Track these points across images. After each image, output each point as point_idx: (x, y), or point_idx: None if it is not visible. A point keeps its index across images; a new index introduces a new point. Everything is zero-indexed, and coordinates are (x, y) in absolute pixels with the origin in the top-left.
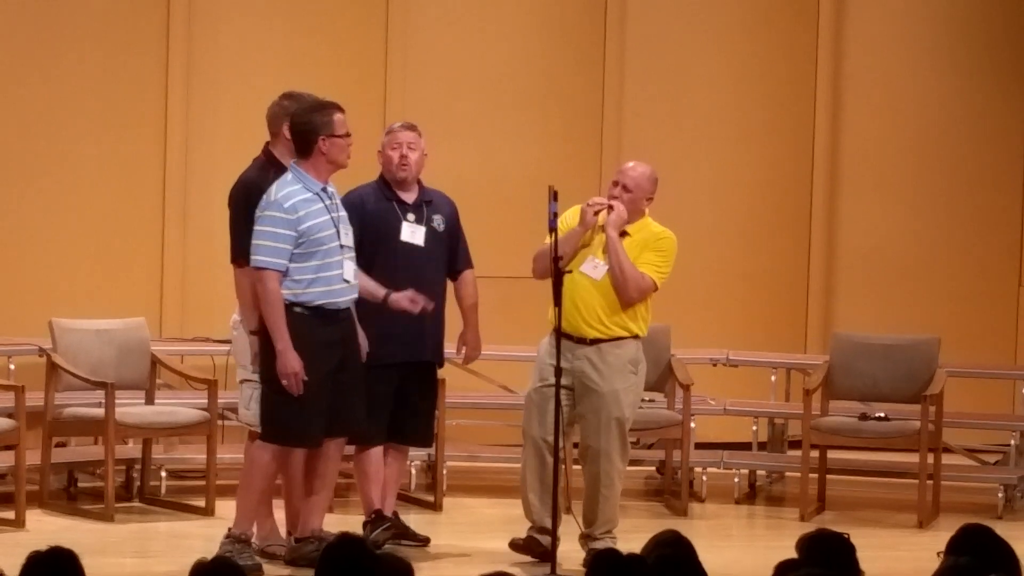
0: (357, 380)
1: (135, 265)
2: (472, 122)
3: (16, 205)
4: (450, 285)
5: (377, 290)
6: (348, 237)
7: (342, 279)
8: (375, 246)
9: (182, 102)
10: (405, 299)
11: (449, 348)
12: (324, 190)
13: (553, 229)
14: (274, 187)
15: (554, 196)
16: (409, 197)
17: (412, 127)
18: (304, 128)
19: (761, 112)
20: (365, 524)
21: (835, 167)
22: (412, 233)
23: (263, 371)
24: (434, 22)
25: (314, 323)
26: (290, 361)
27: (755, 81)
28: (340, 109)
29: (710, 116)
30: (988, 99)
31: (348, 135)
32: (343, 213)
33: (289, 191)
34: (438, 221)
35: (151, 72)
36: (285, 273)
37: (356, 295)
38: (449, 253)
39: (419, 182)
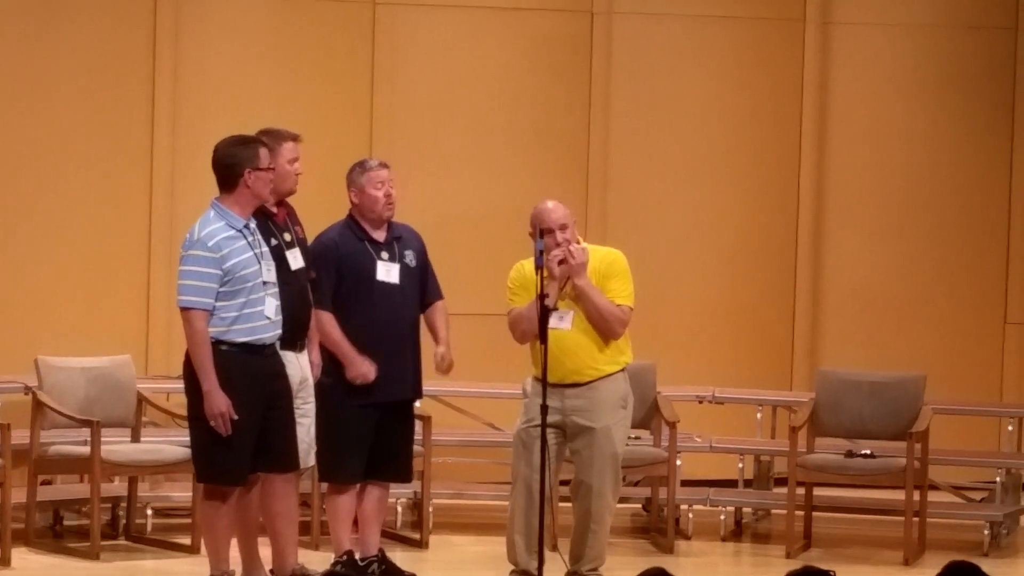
0: (288, 415)
1: (121, 303)
2: (458, 157)
3: (1, 242)
4: None
5: (349, 352)
6: (271, 273)
7: (264, 316)
8: (353, 287)
9: (168, 137)
10: (364, 374)
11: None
12: (247, 226)
13: (540, 267)
14: (197, 225)
15: (540, 234)
16: (380, 235)
17: (386, 164)
18: (230, 161)
19: (747, 148)
20: (335, 564)
21: (821, 204)
22: (387, 272)
23: (191, 411)
24: (420, 58)
25: (241, 359)
26: (217, 402)
27: (741, 117)
28: (265, 144)
29: (696, 152)
30: (973, 136)
31: (272, 169)
32: (265, 249)
33: (212, 229)
34: (410, 257)
35: (137, 108)
36: (211, 312)
37: (279, 331)
38: (420, 287)
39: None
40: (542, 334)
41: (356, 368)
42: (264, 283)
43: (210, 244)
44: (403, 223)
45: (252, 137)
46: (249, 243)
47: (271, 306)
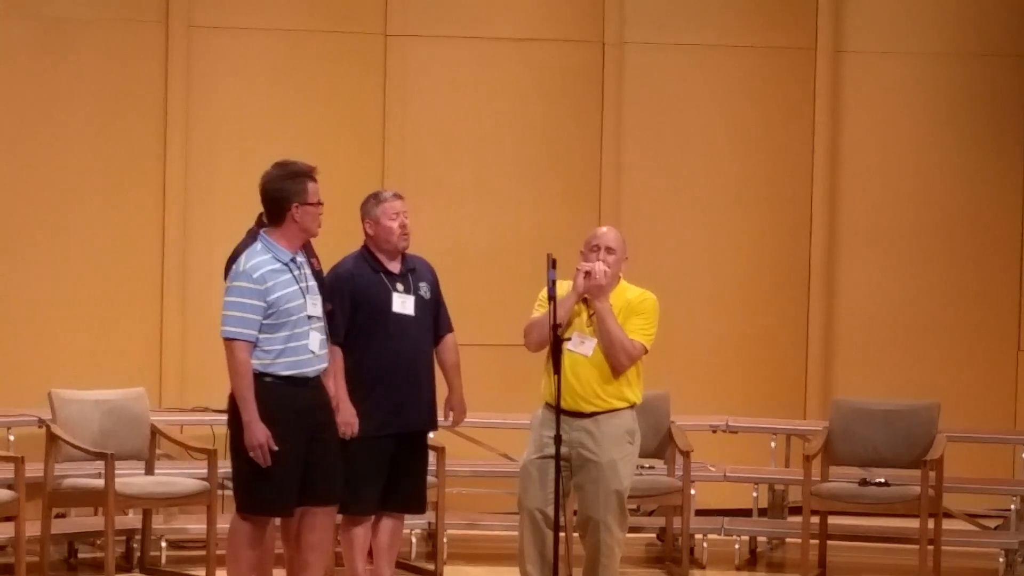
0: (332, 448)
1: (134, 335)
2: (470, 189)
3: (15, 275)
4: None
5: (343, 395)
6: (316, 308)
7: (308, 350)
8: (369, 319)
9: (180, 170)
10: (349, 422)
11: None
12: (293, 260)
13: (552, 297)
14: (243, 257)
15: (553, 264)
16: (395, 267)
17: (400, 196)
18: (277, 195)
19: (759, 178)
20: None
21: (833, 233)
22: (403, 304)
23: (232, 442)
24: (432, 89)
25: (285, 392)
26: (256, 433)
27: (753, 147)
28: (313, 178)
29: (708, 182)
30: (985, 164)
31: (320, 203)
32: (312, 283)
33: (257, 261)
34: (424, 289)
35: (149, 144)
36: (255, 344)
37: (324, 365)
38: (433, 319)
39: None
40: (555, 364)
41: (343, 414)
42: (308, 317)
43: (255, 276)
44: (417, 255)
45: (301, 170)
46: (295, 276)
47: (315, 340)
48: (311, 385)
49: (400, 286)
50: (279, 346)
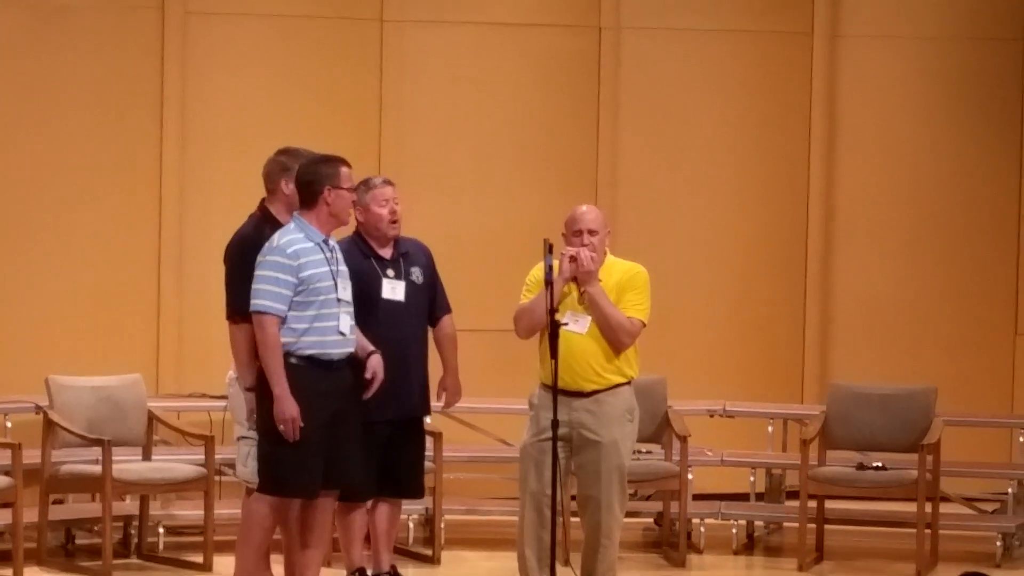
0: (353, 433)
1: (131, 322)
2: (466, 174)
3: (11, 262)
4: None
5: (365, 346)
6: (346, 291)
7: (337, 331)
8: (358, 305)
9: (177, 159)
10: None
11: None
12: (325, 242)
13: (549, 282)
14: (277, 235)
15: (549, 249)
16: (386, 252)
17: (390, 182)
18: (310, 178)
19: (756, 164)
20: None
21: (830, 218)
22: (392, 290)
23: (260, 422)
24: (428, 74)
25: (308, 373)
26: (287, 407)
27: (750, 131)
28: (347, 164)
29: (705, 169)
30: (982, 150)
31: (353, 189)
32: (343, 267)
33: (292, 238)
34: (416, 274)
35: (146, 130)
36: (283, 320)
37: (351, 349)
38: (429, 302)
39: None
40: (552, 348)
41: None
42: (339, 300)
43: (288, 251)
44: (411, 238)
45: (335, 156)
46: (326, 258)
47: (345, 323)
48: (335, 368)
49: (390, 272)
50: (305, 324)
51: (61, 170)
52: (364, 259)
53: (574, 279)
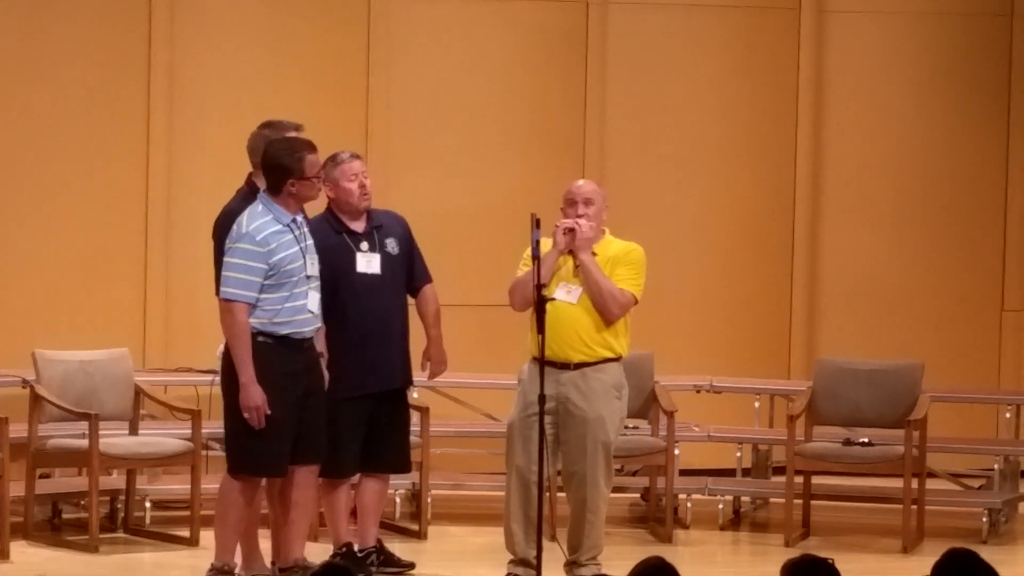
0: (320, 408)
1: (118, 296)
2: (454, 151)
3: None
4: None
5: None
6: (314, 267)
7: (307, 310)
8: (333, 281)
9: (164, 132)
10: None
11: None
12: (294, 220)
13: (536, 257)
14: (245, 218)
15: (537, 224)
16: (359, 226)
17: (358, 156)
18: (275, 168)
19: (743, 140)
20: (334, 557)
21: (817, 194)
22: (368, 263)
23: (229, 401)
24: (416, 49)
25: (279, 352)
26: (253, 395)
27: (736, 109)
28: (313, 149)
29: (692, 145)
30: (969, 125)
31: (319, 176)
32: (310, 242)
33: (260, 224)
34: (391, 245)
35: (133, 102)
36: (254, 305)
37: (319, 325)
38: (407, 272)
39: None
40: (539, 324)
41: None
42: (308, 277)
43: (258, 238)
44: (385, 209)
45: (300, 143)
46: (295, 237)
47: (314, 300)
48: (305, 347)
49: (364, 245)
50: (277, 306)
51: (48, 144)
52: (336, 235)
53: (570, 251)
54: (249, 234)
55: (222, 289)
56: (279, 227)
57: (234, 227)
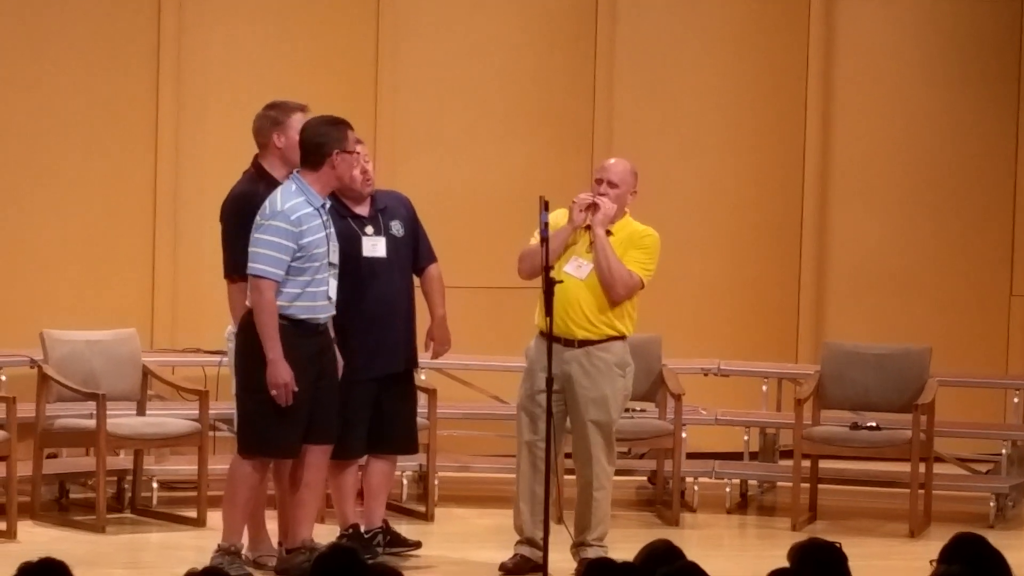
0: (334, 389)
1: (126, 276)
2: (462, 134)
3: (6, 217)
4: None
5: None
6: (335, 254)
7: (326, 296)
8: (340, 266)
9: (172, 113)
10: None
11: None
12: (323, 205)
13: (545, 239)
14: (279, 196)
15: (545, 206)
16: (363, 210)
17: (359, 140)
18: (319, 140)
19: (752, 123)
20: (340, 538)
21: (825, 178)
22: (373, 247)
23: (243, 380)
24: (424, 35)
25: (296, 336)
26: (281, 372)
27: (745, 92)
28: (351, 126)
29: (700, 127)
30: (977, 109)
31: (357, 152)
32: (333, 230)
33: (294, 204)
34: (396, 227)
35: (141, 83)
36: (280, 283)
37: (334, 312)
38: (412, 252)
39: None
40: (548, 306)
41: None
42: (330, 264)
43: (292, 217)
44: (388, 190)
45: (340, 119)
46: (323, 222)
47: (333, 287)
48: (320, 331)
49: (369, 229)
50: (298, 289)
51: (56, 125)
52: (341, 219)
53: (587, 227)
54: (284, 212)
55: (250, 265)
56: (311, 209)
57: (266, 204)
